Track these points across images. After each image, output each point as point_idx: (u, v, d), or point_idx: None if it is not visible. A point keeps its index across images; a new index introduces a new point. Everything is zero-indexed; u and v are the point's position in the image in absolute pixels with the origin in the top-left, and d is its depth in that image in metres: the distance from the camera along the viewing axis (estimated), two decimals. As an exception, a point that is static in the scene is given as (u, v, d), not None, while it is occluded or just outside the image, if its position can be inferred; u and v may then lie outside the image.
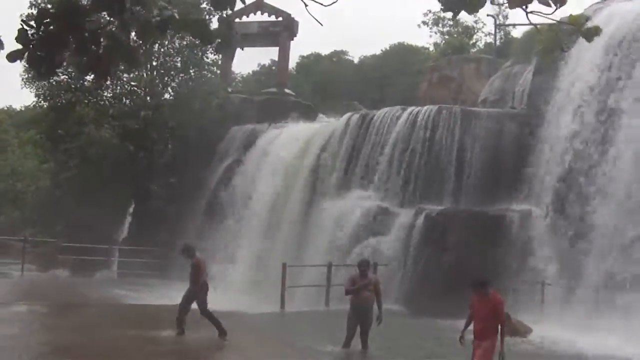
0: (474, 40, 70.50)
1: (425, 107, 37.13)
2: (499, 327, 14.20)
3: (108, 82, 47.25)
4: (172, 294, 32.81)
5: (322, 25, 7.18)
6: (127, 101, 47.95)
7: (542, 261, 29.23)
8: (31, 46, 6.25)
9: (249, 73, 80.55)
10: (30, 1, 45.19)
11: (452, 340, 22.48)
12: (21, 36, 6.22)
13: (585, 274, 28.08)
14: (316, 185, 38.19)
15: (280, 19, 50.75)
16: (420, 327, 25.15)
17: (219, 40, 6.68)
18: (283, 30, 50.70)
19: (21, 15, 43.79)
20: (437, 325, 25.55)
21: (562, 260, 29.05)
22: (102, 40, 6.33)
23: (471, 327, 14.56)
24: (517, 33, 59.33)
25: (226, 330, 19.25)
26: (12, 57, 6.28)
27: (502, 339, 14.10)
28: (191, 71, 48.67)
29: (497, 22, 58.51)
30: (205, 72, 50.02)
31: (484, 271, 28.23)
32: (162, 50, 47.89)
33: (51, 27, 6.21)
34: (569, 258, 29.00)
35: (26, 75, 46.70)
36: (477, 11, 6.44)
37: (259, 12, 50.58)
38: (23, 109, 70.70)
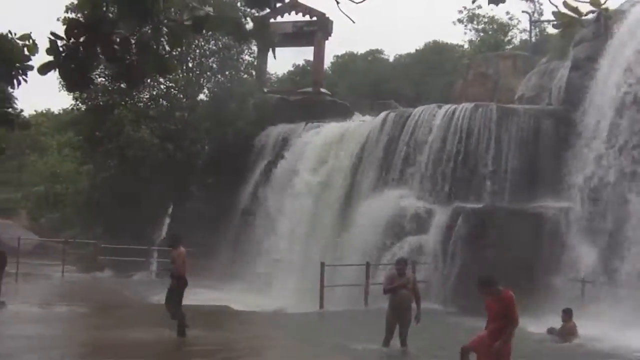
0: (509, 37, 70.13)
1: (462, 105, 36.99)
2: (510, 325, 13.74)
3: (144, 85, 47.63)
4: (211, 295, 33.11)
5: (354, 22, 7.20)
6: (164, 102, 48.21)
7: (581, 258, 29.07)
8: (62, 58, 6.29)
9: (284, 73, 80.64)
10: (66, 5, 45.66)
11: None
12: (52, 48, 6.27)
13: (624, 271, 27.91)
14: (353, 185, 38.16)
15: (314, 18, 50.76)
16: (459, 325, 25.07)
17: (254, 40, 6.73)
18: (318, 29, 50.72)
19: (57, 19, 44.35)
20: (476, 323, 25.44)
21: (601, 257, 28.89)
22: (132, 48, 6.37)
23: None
24: (552, 29, 58.90)
25: (186, 333, 19.15)
26: (44, 69, 6.33)
27: (509, 337, 13.79)
28: (227, 72, 48.83)
29: (532, 19, 58.19)
30: (241, 72, 50.16)
31: (523, 269, 28.31)
32: (197, 51, 48.12)
33: (81, 38, 6.25)
34: (608, 255, 28.84)
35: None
36: (504, 1, 6.42)
37: (293, 12, 50.61)
38: (61, 112, 71.34)
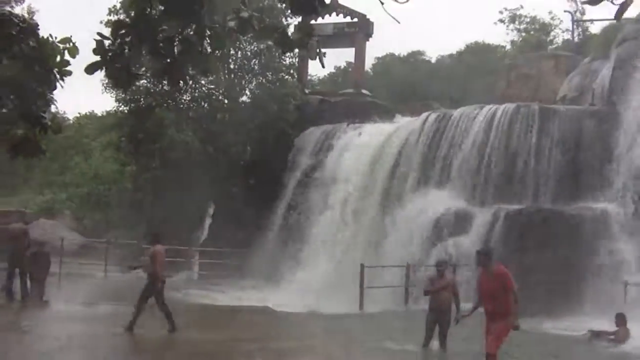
0: (551, 37, 69.66)
1: (503, 106, 36.81)
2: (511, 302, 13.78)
3: (186, 86, 47.91)
4: (252, 295, 33.24)
5: (399, 22, 7.23)
6: (205, 104, 48.45)
7: (623, 260, 28.81)
8: (108, 57, 6.40)
9: (325, 75, 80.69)
10: (109, 8, 46.11)
11: (532, 340, 22.41)
12: (99, 48, 6.37)
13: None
14: (394, 185, 38.10)
15: (355, 19, 50.79)
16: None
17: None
18: (358, 31, 50.73)
19: (101, 22, 44.81)
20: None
21: (642, 259, 28.67)
22: (175, 46, 6.46)
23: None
24: (595, 29, 58.50)
25: (177, 327, 19.27)
26: (92, 69, 6.44)
27: (515, 312, 13.78)
28: (268, 73, 48.98)
29: (575, 18, 57.77)
30: (283, 74, 50.28)
31: (565, 271, 28.12)
32: (239, 53, 48.32)
33: (127, 38, 6.35)
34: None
35: (106, 81, 47.45)
36: None
37: (334, 14, 50.67)
38: (104, 114, 71.96)
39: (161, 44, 6.39)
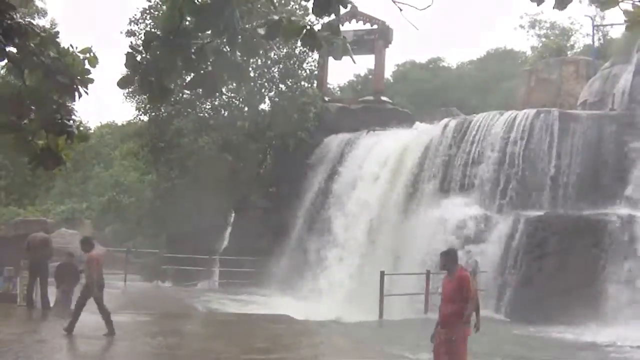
0: (571, 42, 69.36)
1: (523, 111, 36.74)
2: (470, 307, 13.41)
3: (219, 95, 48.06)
4: (272, 302, 33.21)
5: (418, 29, 7.17)
6: (225, 113, 48.53)
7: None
8: (140, 71, 6.37)
9: (345, 83, 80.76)
10: (129, 18, 46.24)
11: (554, 347, 22.27)
12: (130, 61, 6.34)
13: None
14: (414, 192, 38.01)
15: (375, 26, 50.77)
16: (521, 334, 24.87)
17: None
18: (378, 38, 50.69)
19: (121, 32, 44.96)
20: (539, 332, 25.25)
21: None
22: (208, 57, 6.43)
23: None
24: (615, 33, 58.19)
25: (115, 331, 19.36)
26: (124, 83, 6.42)
27: (468, 321, 13.48)
28: (288, 81, 49.01)
29: (595, 23, 57.47)
30: (303, 82, 50.31)
31: (587, 278, 27.93)
32: (259, 61, 48.39)
33: (158, 51, 6.32)
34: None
35: (127, 91, 47.56)
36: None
37: (353, 21, 50.67)
38: (125, 123, 72.26)
39: (194, 56, 6.37)
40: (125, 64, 6.38)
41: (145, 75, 6.36)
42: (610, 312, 26.72)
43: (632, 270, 28.57)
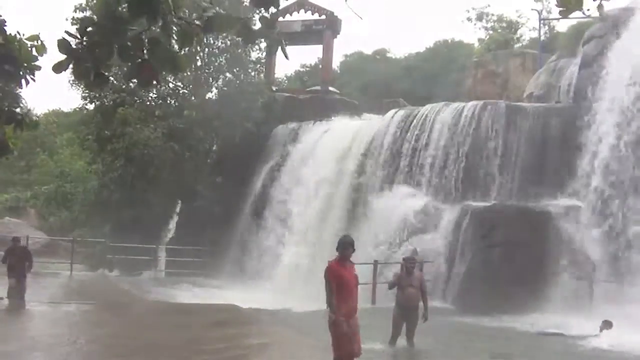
0: (518, 35, 69.94)
1: (470, 103, 36.98)
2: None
3: (158, 85, 47.56)
4: (219, 293, 33.10)
5: (361, 18, 7.15)
6: (172, 101, 48.24)
7: (589, 257, 28.95)
8: (76, 57, 6.27)
9: (292, 73, 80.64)
10: (75, 5, 45.72)
11: (500, 337, 22.47)
12: (63, 46, 6.23)
13: (632, 270, 27.79)
14: (361, 183, 38.12)
15: (323, 17, 50.74)
16: (468, 324, 25.05)
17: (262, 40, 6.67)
18: (326, 28, 50.67)
19: (67, 19, 44.41)
20: (485, 322, 25.44)
21: (608, 256, 28.81)
22: (145, 46, 6.34)
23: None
24: (561, 27, 58.87)
25: None
26: (58, 68, 6.30)
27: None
28: (235, 70, 48.82)
29: (542, 17, 58.04)
30: (250, 71, 50.15)
31: (532, 268, 28.22)
32: (206, 50, 48.12)
33: (95, 37, 6.22)
34: (615, 254, 28.76)
35: (72, 78, 47.02)
36: None
37: (302, 11, 50.64)
38: (70, 111, 71.50)
39: (129, 44, 6.27)
40: (58, 48, 6.27)
41: (80, 61, 6.26)
42: (555, 302, 27.00)
43: (577, 260, 28.91)
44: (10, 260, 25.22)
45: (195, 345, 17.95)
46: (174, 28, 6.27)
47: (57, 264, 40.83)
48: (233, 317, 23.22)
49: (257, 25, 6.81)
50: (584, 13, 5.80)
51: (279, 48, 6.96)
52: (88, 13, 45.08)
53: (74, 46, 6.22)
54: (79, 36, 6.23)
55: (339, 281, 13.19)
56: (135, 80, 6.61)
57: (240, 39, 6.67)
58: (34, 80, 7.85)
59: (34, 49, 7.57)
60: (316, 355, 18.33)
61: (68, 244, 43.38)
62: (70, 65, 6.32)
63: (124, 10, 6.24)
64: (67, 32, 6.28)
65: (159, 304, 29.29)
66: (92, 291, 32.68)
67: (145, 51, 6.32)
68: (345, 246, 13.35)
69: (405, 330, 18.93)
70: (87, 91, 46.85)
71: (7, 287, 25.24)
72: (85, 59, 6.24)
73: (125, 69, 6.60)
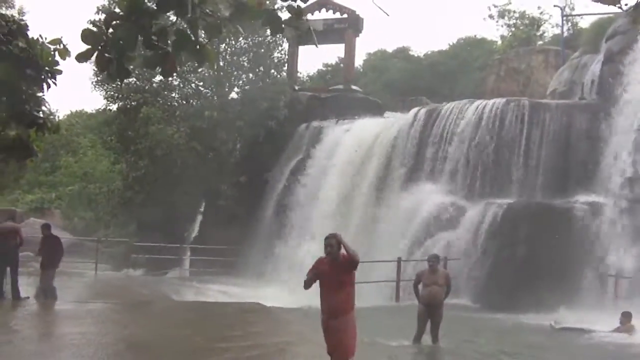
0: (540, 32, 69.61)
1: (493, 100, 36.90)
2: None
3: (176, 83, 47.66)
4: (243, 292, 33.15)
5: (388, 15, 7.18)
6: (194, 102, 48.36)
7: (613, 254, 28.86)
8: (99, 47, 6.30)
9: (314, 73, 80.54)
10: (97, 7, 45.94)
11: (522, 334, 22.41)
12: (87, 36, 6.27)
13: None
14: (385, 181, 38.10)
15: (345, 15, 50.71)
16: (492, 321, 25.01)
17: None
18: (348, 27, 50.63)
19: (89, 21, 44.67)
20: (509, 319, 25.40)
21: (633, 253, 28.69)
22: (169, 37, 6.39)
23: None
24: (584, 23, 58.54)
25: None
26: (81, 57, 6.35)
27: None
28: (257, 69, 48.89)
29: (564, 13, 57.77)
30: (272, 71, 50.19)
31: (556, 265, 28.14)
32: (228, 49, 48.19)
33: (119, 29, 6.27)
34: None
35: (95, 79, 47.27)
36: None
37: (323, 10, 50.62)
38: (94, 112, 71.79)
39: (154, 36, 6.32)
40: (82, 39, 6.30)
41: (103, 52, 6.30)
42: (579, 298, 26.93)
43: (601, 257, 28.83)
44: (42, 252, 25.47)
45: (221, 343, 18.00)
46: (202, 21, 6.32)
47: (82, 263, 41.00)
48: (258, 315, 23.26)
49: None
50: (621, 8, 5.80)
51: (305, 37, 6.98)
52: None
53: (97, 38, 6.26)
54: (103, 28, 6.27)
55: (317, 277, 12.51)
56: (162, 80, 6.66)
57: (261, 38, 6.70)
58: (55, 84, 7.91)
59: (56, 53, 7.62)
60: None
61: (93, 244, 43.54)
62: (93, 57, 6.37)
63: (151, 4, 6.30)
64: (91, 21, 6.35)
65: (183, 302, 29.36)
66: (117, 290, 32.78)
67: (169, 42, 6.37)
68: (325, 242, 12.84)
69: (430, 328, 18.94)
70: (110, 91, 47.04)
71: (35, 285, 25.47)
72: (108, 50, 6.29)
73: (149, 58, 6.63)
